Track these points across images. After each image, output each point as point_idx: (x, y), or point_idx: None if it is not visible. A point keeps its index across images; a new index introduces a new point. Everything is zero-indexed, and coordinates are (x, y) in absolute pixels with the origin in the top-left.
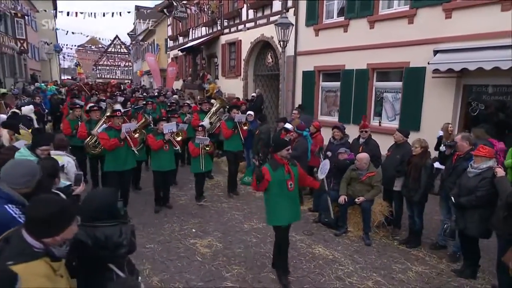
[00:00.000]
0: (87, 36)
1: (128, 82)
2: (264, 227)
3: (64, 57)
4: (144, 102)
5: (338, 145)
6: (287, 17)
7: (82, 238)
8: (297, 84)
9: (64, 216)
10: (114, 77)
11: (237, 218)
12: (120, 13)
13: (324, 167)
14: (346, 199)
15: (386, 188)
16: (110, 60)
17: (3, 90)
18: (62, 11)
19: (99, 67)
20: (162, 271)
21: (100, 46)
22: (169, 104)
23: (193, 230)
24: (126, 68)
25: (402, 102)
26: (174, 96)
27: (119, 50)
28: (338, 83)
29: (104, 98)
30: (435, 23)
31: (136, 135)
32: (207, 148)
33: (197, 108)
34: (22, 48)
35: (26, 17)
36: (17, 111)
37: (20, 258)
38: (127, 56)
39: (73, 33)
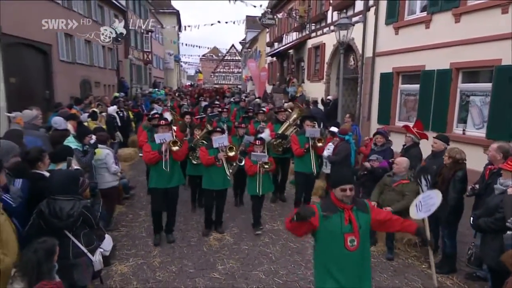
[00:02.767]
0: (208, 49)
1: (239, 87)
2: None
3: (187, 65)
4: (220, 110)
5: (378, 152)
6: (347, 17)
7: (42, 207)
8: (375, 87)
9: None
10: (228, 82)
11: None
12: (234, 22)
13: (426, 200)
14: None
15: None
16: (226, 67)
17: (116, 94)
18: (185, 26)
19: (216, 74)
20: (167, 255)
21: (219, 54)
22: (246, 110)
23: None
24: (238, 74)
25: (491, 106)
26: (257, 100)
27: (234, 58)
28: (418, 85)
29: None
30: None
31: (175, 148)
32: (266, 166)
33: (268, 111)
34: (147, 59)
35: (151, 33)
36: (96, 110)
37: None
38: (239, 63)
39: (192, 45)
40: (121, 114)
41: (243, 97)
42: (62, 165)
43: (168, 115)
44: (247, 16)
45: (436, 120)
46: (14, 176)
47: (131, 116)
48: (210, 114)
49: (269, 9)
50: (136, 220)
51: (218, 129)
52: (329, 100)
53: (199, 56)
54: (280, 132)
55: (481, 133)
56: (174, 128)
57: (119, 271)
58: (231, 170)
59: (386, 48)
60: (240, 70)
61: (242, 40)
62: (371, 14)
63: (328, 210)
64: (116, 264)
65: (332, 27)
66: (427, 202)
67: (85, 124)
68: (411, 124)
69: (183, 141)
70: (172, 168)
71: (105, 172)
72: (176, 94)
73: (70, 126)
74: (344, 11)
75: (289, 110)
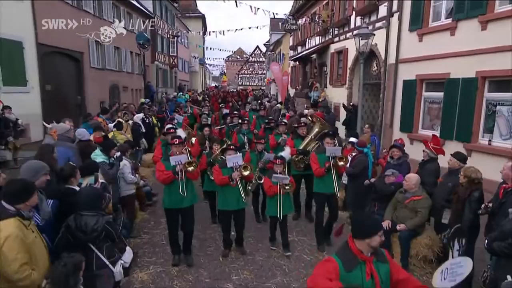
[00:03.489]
0: (233, 52)
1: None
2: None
3: (212, 67)
4: (240, 121)
5: (394, 165)
6: (367, 27)
7: (69, 222)
8: (397, 94)
9: (26, 191)
10: (252, 84)
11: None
12: (257, 26)
13: (454, 268)
14: (390, 225)
15: (437, 220)
16: (250, 69)
17: (142, 100)
18: (209, 32)
19: (241, 75)
20: (184, 263)
21: (244, 56)
22: (267, 120)
23: (232, 233)
24: (263, 76)
25: None
26: (278, 105)
27: (259, 59)
28: (442, 93)
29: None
30: None
31: (191, 168)
32: (287, 188)
33: (289, 118)
34: (173, 63)
35: (177, 37)
36: (121, 120)
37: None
38: (264, 64)
39: (217, 49)
40: (147, 121)
41: (265, 102)
42: (89, 179)
43: (181, 133)
44: (271, 19)
45: (461, 129)
46: (46, 195)
47: (155, 121)
48: (229, 125)
49: (291, 16)
50: (158, 227)
51: (232, 146)
52: (351, 106)
53: (223, 59)
54: (301, 148)
55: (508, 144)
56: (193, 140)
57: (139, 278)
58: (249, 187)
59: (409, 55)
60: (264, 72)
61: (267, 42)
62: (394, 20)
63: (348, 262)
64: (137, 272)
65: (355, 32)
66: (455, 271)
67: (111, 133)
68: (436, 133)
69: (201, 155)
70: (186, 188)
71: (121, 181)
72: (201, 98)
73: (92, 137)
74: (367, 16)
75: (309, 118)
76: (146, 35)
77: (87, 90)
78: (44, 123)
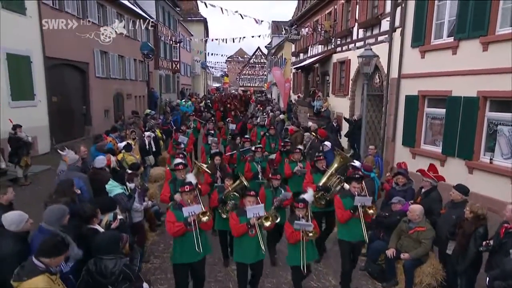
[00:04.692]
0: (234, 52)
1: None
2: None
3: (214, 70)
4: (253, 148)
5: (399, 192)
6: (371, 49)
7: (90, 265)
8: (400, 108)
9: (57, 250)
10: (253, 85)
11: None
12: (259, 35)
13: None
14: (394, 254)
15: (440, 249)
16: (251, 70)
17: (147, 111)
18: (212, 39)
19: (242, 77)
20: None
21: (245, 56)
22: (283, 144)
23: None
24: (264, 77)
25: None
26: (281, 116)
27: (260, 61)
28: (444, 110)
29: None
30: None
31: (205, 218)
32: (311, 235)
33: (292, 132)
34: (175, 68)
35: (180, 43)
36: (130, 142)
37: (30, 274)
38: (265, 66)
39: (218, 54)
40: (153, 135)
41: (268, 111)
42: (109, 216)
43: (192, 178)
44: (272, 21)
45: (462, 146)
46: (72, 238)
47: (160, 135)
48: (241, 150)
49: (293, 26)
50: (168, 250)
51: (252, 192)
52: (354, 119)
53: (224, 62)
54: (321, 183)
55: (509, 164)
56: (203, 166)
57: None
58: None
59: (412, 71)
60: (265, 73)
61: (268, 44)
62: (397, 35)
63: None
64: None
65: (357, 44)
66: None
67: (120, 154)
68: (438, 149)
69: (212, 189)
70: (200, 239)
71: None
72: (203, 104)
73: (105, 160)
74: (370, 29)
75: (313, 134)
76: (150, 44)
77: (91, 99)
78: (59, 151)
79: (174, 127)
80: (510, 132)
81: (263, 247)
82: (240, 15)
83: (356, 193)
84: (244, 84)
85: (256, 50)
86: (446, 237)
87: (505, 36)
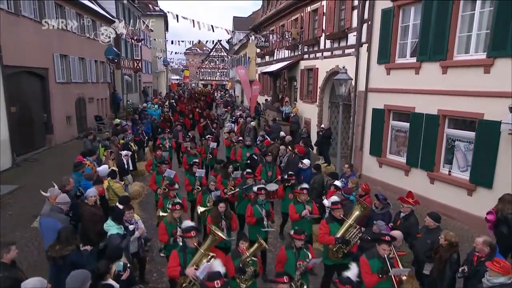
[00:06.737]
0: (193, 44)
1: (226, 89)
2: None
3: (173, 62)
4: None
5: (378, 215)
6: (345, 72)
7: None
8: (367, 120)
9: None
10: (214, 78)
11: None
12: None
13: None
14: None
15: (417, 269)
16: (211, 64)
17: (117, 121)
18: (172, 41)
19: (202, 70)
20: None
21: (204, 49)
22: (287, 177)
23: None
24: (224, 71)
25: (474, 154)
26: (252, 123)
27: (220, 54)
28: (408, 124)
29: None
30: None
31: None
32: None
33: (268, 143)
34: (137, 67)
35: (142, 41)
36: (114, 169)
37: None
38: (225, 59)
39: (181, 42)
40: (130, 153)
41: (238, 116)
42: (117, 265)
43: (219, 266)
44: (234, 17)
45: (424, 159)
46: None
47: (134, 147)
48: (244, 187)
49: (259, 28)
50: (161, 280)
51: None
52: (322, 129)
53: (183, 52)
54: (339, 235)
55: (465, 176)
56: (222, 237)
57: None
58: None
59: (378, 85)
60: (226, 66)
61: (230, 39)
62: (363, 50)
63: None
64: None
65: (325, 53)
66: None
67: (106, 182)
68: (403, 159)
69: (227, 257)
70: None
71: None
72: (167, 103)
73: (96, 192)
74: (337, 41)
75: (290, 148)
76: (115, 49)
77: (53, 106)
78: (43, 192)
79: (146, 138)
80: (466, 148)
81: None
82: (212, 26)
83: (385, 255)
84: (205, 78)
85: (216, 43)
86: (422, 259)
87: (462, 62)
